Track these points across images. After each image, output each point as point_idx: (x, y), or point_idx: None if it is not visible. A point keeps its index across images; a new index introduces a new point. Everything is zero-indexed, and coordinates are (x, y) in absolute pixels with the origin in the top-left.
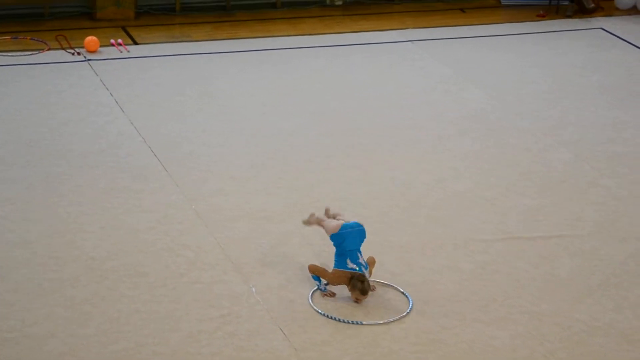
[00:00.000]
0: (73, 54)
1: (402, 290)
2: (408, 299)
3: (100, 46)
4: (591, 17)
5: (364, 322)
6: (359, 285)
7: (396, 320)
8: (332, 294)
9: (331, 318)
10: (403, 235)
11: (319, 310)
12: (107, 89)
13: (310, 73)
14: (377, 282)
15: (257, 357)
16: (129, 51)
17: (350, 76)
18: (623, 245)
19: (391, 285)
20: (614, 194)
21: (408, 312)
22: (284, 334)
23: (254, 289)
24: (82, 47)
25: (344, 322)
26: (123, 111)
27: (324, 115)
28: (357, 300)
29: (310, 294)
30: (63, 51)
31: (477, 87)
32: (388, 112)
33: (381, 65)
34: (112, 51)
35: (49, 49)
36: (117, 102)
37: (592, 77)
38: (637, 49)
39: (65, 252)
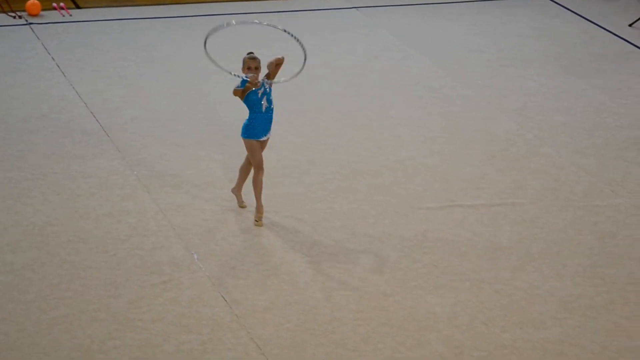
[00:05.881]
0: (14, 17)
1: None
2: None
3: (42, 9)
4: None
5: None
6: (245, 58)
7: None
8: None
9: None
10: (345, 203)
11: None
12: (49, 53)
13: (255, 39)
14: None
15: (199, 324)
16: (71, 15)
17: (294, 43)
18: (563, 213)
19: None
20: (555, 162)
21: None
22: (226, 300)
23: (195, 256)
24: (24, 11)
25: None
26: (65, 76)
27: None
28: (250, 76)
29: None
30: (4, 14)
31: (420, 54)
32: (332, 80)
33: (325, 32)
34: (54, 15)
35: None
36: (58, 66)
37: (535, 45)
38: (581, 18)
39: (6, 217)
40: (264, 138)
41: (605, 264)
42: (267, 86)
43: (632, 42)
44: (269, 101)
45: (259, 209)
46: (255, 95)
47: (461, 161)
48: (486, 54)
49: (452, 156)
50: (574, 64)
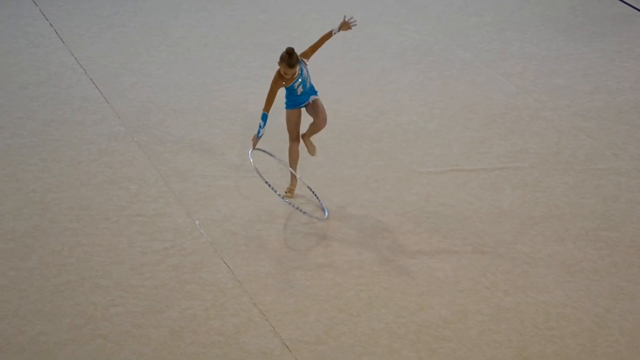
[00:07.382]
0: None
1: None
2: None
3: None
4: None
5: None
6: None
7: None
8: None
9: (268, 185)
10: (346, 168)
11: (262, 176)
12: (47, 20)
13: (252, 4)
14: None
15: (201, 290)
16: None
17: (292, 8)
18: (565, 177)
19: (313, 194)
20: (556, 126)
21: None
22: (228, 266)
23: (197, 222)
24: None
25: (278, 194)
26: (63, 42)
27: (266, 46)
28: (284, 74)
29: (249, 152)
30: None
31: (419, 18)
32: (331, 44)
33: None
34: None
35: None
36: (57, 32)
37: (534, 8)
38: None
39: (6, 184)
40: (306, 103)
41: (608, 227)
42: (304, 75)
43: (632, 4)
44: (304, 86)
45: (292, 179)
46: (291, 87)
47: (462, 125)
48: (485, 18)
49: (452, 120)
50: (573, 27)
